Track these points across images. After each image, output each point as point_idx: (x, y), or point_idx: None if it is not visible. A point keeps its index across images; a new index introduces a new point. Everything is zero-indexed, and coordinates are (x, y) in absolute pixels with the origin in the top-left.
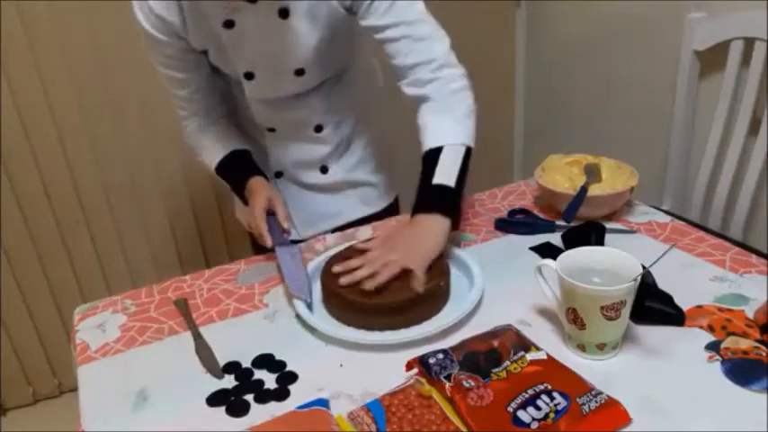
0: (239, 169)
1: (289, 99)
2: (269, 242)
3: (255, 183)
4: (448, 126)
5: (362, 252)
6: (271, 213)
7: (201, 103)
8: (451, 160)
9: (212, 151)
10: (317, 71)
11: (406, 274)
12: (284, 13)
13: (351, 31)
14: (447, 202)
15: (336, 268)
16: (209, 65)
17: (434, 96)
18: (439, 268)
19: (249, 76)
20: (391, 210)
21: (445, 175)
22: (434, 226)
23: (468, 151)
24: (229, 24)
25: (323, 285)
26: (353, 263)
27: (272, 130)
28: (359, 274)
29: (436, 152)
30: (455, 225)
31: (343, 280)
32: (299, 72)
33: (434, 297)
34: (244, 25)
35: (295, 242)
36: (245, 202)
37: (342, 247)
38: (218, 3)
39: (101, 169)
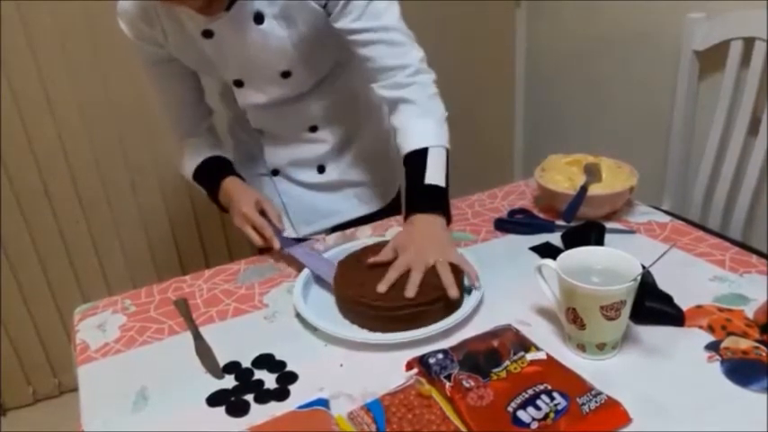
0: (214, 173)
1: (284, 102)
2: (276, 245)
3: (231, 184)
4: (431, 129)
5: (382, 264)
6: (261, 214)
7: (185, 115)
8: (438, 161)
9: (190, 161)
10: (306, 71)
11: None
12: (259, 18)
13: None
14: (440, 202)
15: (381, 287)
16: (195, 76)
17: (415, 100)
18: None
19: (239, 83)
20: (391, 208)
21: (435, 175)
22: (437, 224)
23: (448, 153)
24: (208, 34)
25: (350, 298)
26: (392, 275)
27: (268, 131)
28: (415, 280)
29: (422, 153)
30: (447, 222)
31: (409, 292)
32: (286, 74)
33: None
34: (222, 33)
35: (294, 241)
36: (221, 207)
37: (343, 247)
38: (194, 13)
39: (101, 169)
